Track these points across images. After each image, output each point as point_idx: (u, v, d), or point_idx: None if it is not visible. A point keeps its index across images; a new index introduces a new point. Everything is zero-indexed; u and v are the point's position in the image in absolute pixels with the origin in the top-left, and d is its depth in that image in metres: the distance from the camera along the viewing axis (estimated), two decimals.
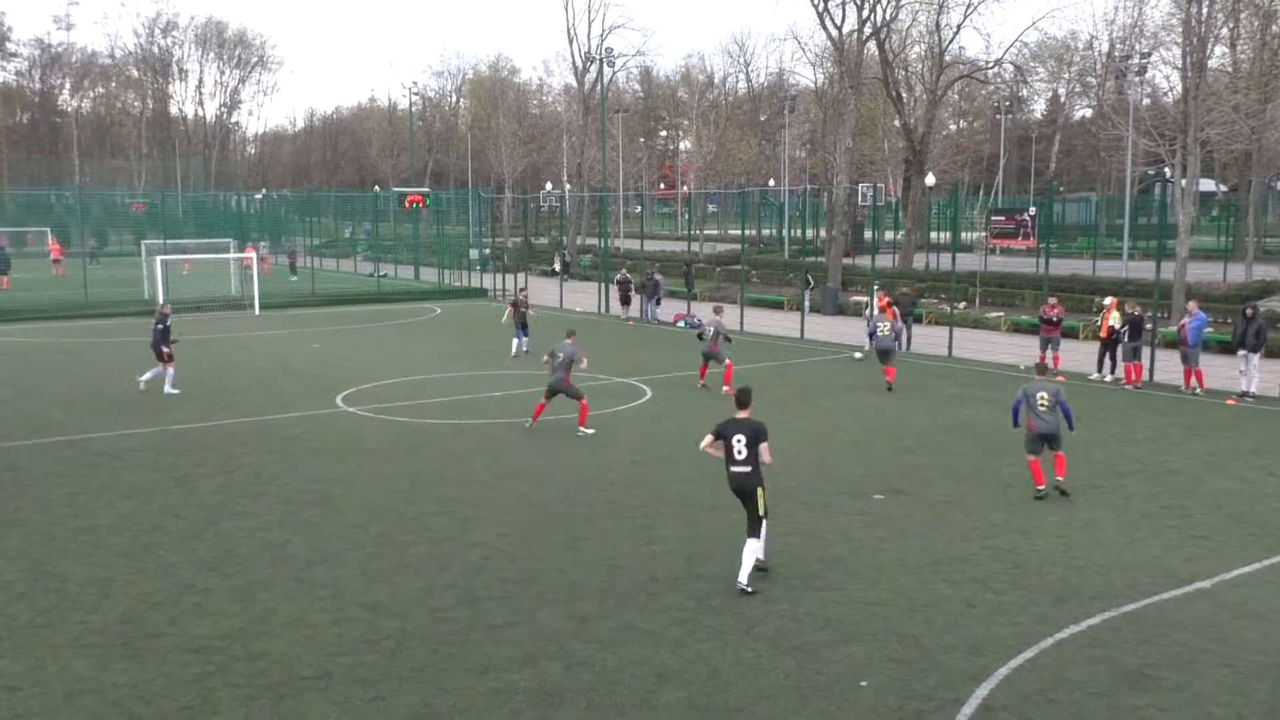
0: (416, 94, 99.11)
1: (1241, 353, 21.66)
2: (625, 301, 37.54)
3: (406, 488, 14.82)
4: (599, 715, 8.24)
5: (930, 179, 53.13)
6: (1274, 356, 22.58)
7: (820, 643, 9.56)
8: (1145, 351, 23.43)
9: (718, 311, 23.74)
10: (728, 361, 22.52)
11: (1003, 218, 47.04)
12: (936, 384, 23.60)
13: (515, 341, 27.66)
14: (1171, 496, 14.35)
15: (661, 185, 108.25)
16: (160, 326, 21.76)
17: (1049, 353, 24.11)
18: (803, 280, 36.73)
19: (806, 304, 35.37)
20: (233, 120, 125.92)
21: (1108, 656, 9.27)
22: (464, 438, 18.02)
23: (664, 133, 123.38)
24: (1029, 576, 11.24)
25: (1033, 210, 45.28)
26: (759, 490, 10.84)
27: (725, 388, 21.44)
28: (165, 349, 21.64)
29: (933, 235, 58.16)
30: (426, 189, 63.96)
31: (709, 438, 11.23)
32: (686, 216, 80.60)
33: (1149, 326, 23.48)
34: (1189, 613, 10.28)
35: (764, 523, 10.94)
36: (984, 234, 48.95)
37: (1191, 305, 23.60)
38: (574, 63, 68.80)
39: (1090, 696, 8.53)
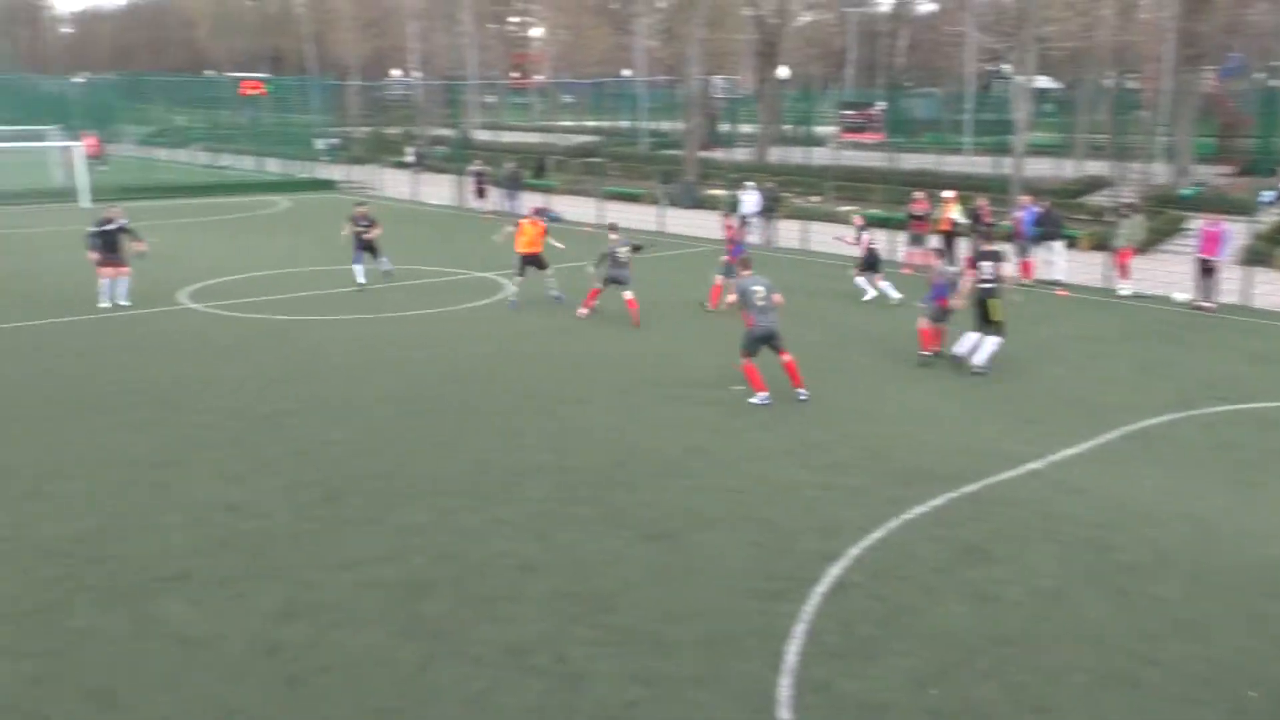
0: None
1: (1045, 244, 23.04)
2: (481, 194, 36.83)
3: (260, 386, 14.42)
4: (467, 605, 8.36)
5: (784, 71, 53.37)
6: (1101, 249, 23.92)
7: (683, 529, 9.87)
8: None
9: (614, 230, 19.30)
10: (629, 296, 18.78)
11: (852, 112, 47.84)
12: (792, 277, 24.08)
13: (358, 266, 21.56)
14: (1009, 383, 15.19)
15: (515, 74, 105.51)
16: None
17: (918, 249, 24.81)
18: (662, 176, 36.71)
19: (667, 197, 35.46)
20: None
21: (950, 534, 9.88)
22: (321, 334, 17.57)
23: (515, 19, 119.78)
24: (879, 461, 11.80)
25: (881, 105, 46.15)
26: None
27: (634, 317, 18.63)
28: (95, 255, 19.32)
29: (787, 129, 58.67)
30: (265, 75, 60.71)
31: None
32: (542, 108, 79.03)
33: (990, 222, 24.42)
34: (1022, 491, 11.01)
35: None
36: (835, 128, 49.71)
37: (1025, 199, 24.66)
38: None
39: (933, 571, 9.10)
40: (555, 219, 34.31)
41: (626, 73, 78.26)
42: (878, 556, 9.36)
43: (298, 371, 15.23)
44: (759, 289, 13.92)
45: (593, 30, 78.20)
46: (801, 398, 14.01)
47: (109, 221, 19.37)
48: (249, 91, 48.05)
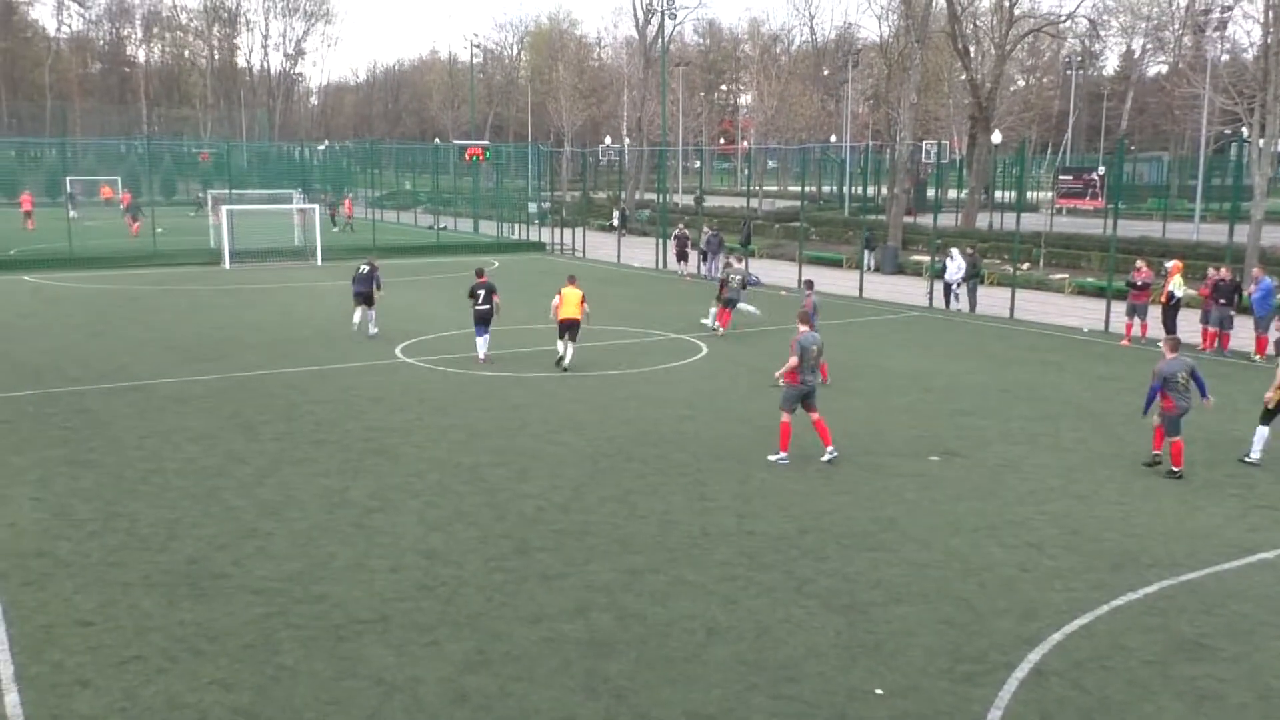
0: (477, 46, 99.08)
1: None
2: (682, 258, 37.36)
3: (463, 439, 15.01)
4: (649, 667, 8.34)
5: (996, 136, 52.02)
6: None
7: (871, 602, 9.56)
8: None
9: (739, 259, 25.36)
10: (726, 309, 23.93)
11: (1070, 177, 45.98)
12: (996, 346, 23.28)
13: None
14: (1236, 465, 14.05)
15: (721, 140, 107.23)
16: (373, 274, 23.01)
17: (1136, 320, 23.48)
18: (863, 240, 36.29)
19: (870, 263, 34.96)
20: (296, 72, 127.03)
21: (1164, 625, 9.16)
22: (520, 390, 18.17)
23: (725, 87, 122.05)
24: (1086, 542, 11.11)
25: (1102, 170, 44.18)
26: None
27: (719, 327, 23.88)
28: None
29: (997, 194, 56.98)
30: (486, 142, 64.08)
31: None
32: (746, 172, 79.78)
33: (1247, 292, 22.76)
34: (1250, 583, 10.11)
35: None
36: (1050, 193, 47.92)
37: (1256, 271, 22.99)
38: (635, 14, 68.37)
39: (1145, 664, 8.44)
40: (755, 283, 34.42)
41: (833, 138, 78.20)
42: (1081, 644, 8.77)
43: (498, 426, 15.78)
44: (814, 347, 13.79)
45: (801, 97, 78.60)
46: (830, 456, 13.85)
47: (372, 268, 23.23)
48: (471, 157, 50.72)
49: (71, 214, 49.65)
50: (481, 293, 20.21)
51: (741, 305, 24.34)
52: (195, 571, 10.15)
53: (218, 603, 9.44)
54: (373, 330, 23.10)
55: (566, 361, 19.68)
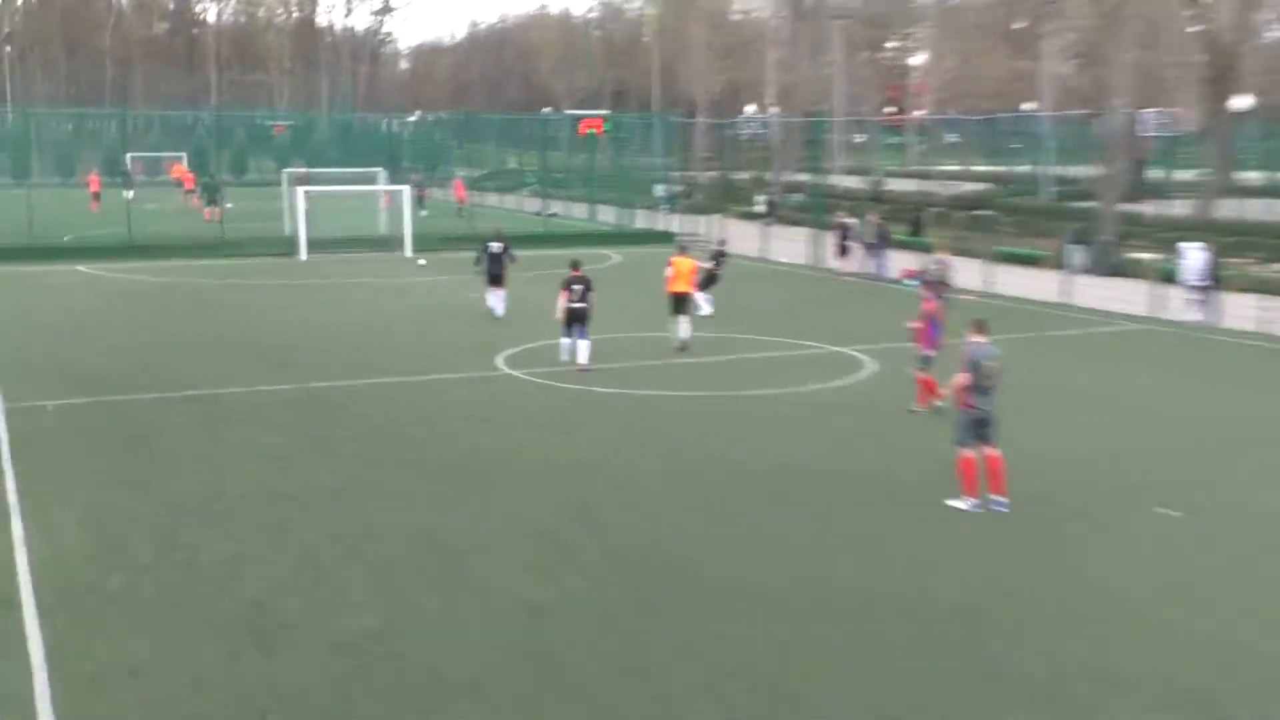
0: None
1: None
2: (843, 252, 36.88)
3: (576, 468, 15.05)
4: None
5: (1243, 101, 49.92)
6: None
7: (1082, 694, 9.12)
8: None
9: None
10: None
11: None
12: (1249, 365, 22.35)
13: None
14: None
15: (888, 110, 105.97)
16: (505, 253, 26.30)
17: None
18: (1072, 234, 35.34)
19: (1078, 261, 34.06)
20: (385, 31, 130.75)
21: None
22: (642, 411, 18.16)
23: (893, 44, 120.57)
24: None
25: None
26: None
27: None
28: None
29: (1247, 176, 54.67)
30: (606, 112, 64.71)
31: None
32: (921, 149, 78.66)
33: None
34: None
35: None
36: None
37: None
38: None
39: None
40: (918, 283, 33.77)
41: (1028, 106, 76.32)
42: None
43: (615, 453, 15.77)
44: (994, 363, 13.16)
45: (986, 56, 77.11)
46: (1000, 508, 13.17)
47: (500, 243, 26.38)
48: (587, 130, 51.16)
49: (127, 194, 52.00)
50: (578, 288, 20.68)
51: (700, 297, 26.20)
52: (260, 618, 10.36)
53: (284, 657, 9.61)
54: (500, 311, 26.10)
55: (684, 340, 22.24)
